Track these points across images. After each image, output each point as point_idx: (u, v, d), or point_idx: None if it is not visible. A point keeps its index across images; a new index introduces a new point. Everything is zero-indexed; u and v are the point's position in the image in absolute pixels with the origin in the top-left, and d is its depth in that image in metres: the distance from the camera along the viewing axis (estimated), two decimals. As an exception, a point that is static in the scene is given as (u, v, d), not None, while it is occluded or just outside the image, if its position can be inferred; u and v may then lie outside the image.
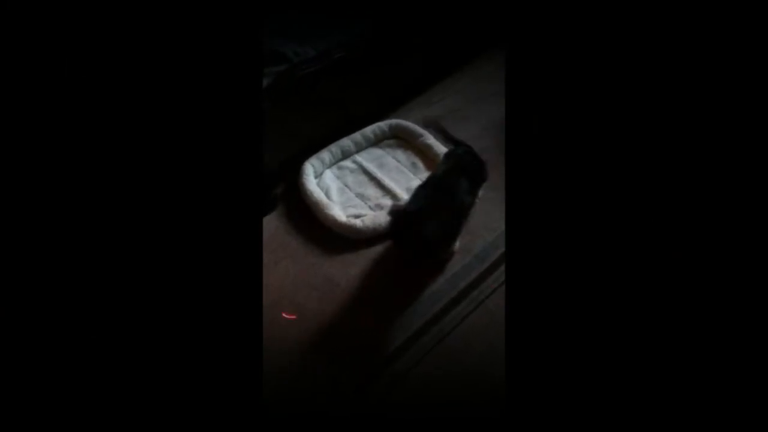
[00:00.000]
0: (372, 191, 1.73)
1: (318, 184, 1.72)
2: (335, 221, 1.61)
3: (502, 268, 1.54)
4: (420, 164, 1.80)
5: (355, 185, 1.75)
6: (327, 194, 1.70)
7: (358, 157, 1.82)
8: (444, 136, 1.69)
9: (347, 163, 1.81)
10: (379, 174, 1.77)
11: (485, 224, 1.62)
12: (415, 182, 1.74)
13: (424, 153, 1.82)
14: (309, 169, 1.73)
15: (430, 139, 1.82)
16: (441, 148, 1.80)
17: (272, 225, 1.67)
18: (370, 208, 1.68)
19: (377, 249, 1.60)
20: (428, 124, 1.80)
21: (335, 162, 1.80)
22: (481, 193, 1.61)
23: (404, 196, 1.69)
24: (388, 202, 1.69)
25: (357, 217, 1.64)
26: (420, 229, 1.44)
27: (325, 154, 1.78)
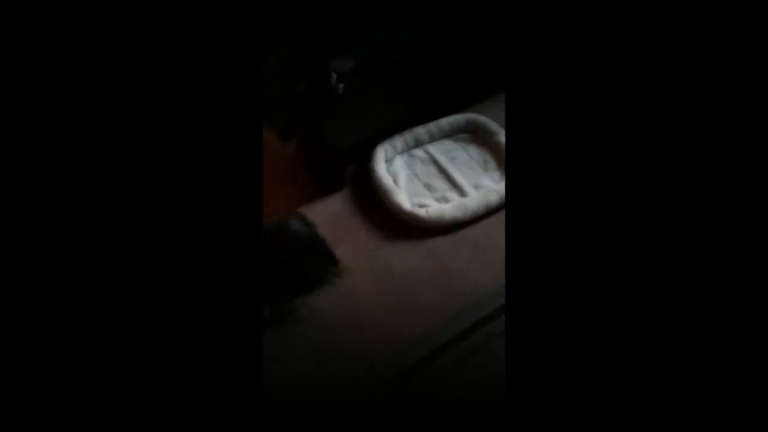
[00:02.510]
0: (440, 183, 1.73)
1: (387, 170, 1.73)
2: (400, 208, 1.62)
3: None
4: (492, 162, 1.79)
5: (423, 175, 1.76)
6: (395, 181, 1.71)
7: (430, 148, 1.82)
8: None
9: (418, 152, 1.81)
10: (449, 167, 1.76)
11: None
12: (485, 179, 1.73)
13: (496, 151, 1.80)
14: (381, 153, 1.75)
15: (504, 138, 1.80)
16: (515, 148, 1.77)
17: (337, 204, 1.70)
18: (436, 199, 1.69)
19: (438, 241, 1.60)
20: None
21: (407, 150, 1.81)
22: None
23: (472, 192, 1.68)
24: (454, 195, 1.68)
25: (422, 206, 1.64)
26: None
27: (398, 141, 1.79)
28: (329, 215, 1.66)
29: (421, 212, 1.61)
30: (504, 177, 1.73)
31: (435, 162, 1.78)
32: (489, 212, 1.65)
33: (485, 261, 1.56)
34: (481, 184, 1.71)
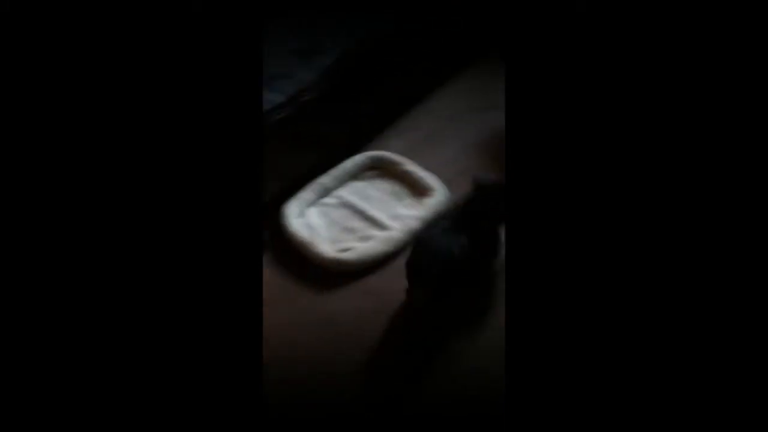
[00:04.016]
0: (358, 223, 1.71)
1: (302, 224, 1.70)
2: (324, 257, 1.59)
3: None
4: (403, 191, 1.80)
5: (340, 220, 1.73)
6: (313, 232, 1.68)
7: (340, 192, 1.80)
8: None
9: (329, 199, 1.79)
10: (363, 206, 1.75)
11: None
12: (401, 209, 1.73)
13: (405, 180, 1.82)
14: (291, 209, 1.71)
15: (410, 166, 1.82)
16: (421, 173, 1.80)
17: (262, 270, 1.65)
18: (359, 239, 1.66)
19: (371, 279, 1.58)
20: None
21: (317, 200, 1.78)
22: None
23: (391, 223, 1.67)
24: (375, 232, 1.66)
25: (345, 250, 1.61)
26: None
27: (307, 194, 1.77)
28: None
29: (346, 256, 1.58)
30: (418, 204, 1.74)
31: (348, 205, 1.77)
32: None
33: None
34: (399, 215, 1.71)
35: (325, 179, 1.81)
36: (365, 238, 1.66)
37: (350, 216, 1.74)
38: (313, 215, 1.75)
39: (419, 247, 1.43)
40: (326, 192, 1.80)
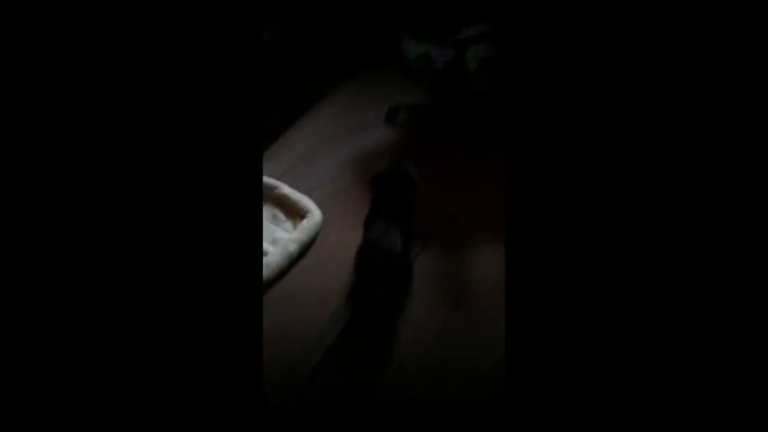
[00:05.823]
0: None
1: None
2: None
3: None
4: (280, 215, 1.86)
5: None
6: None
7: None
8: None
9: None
10: (242, 232, 1.78)
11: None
12: (279, 232, 1.79)
13: (282, 203, 1.88)
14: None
15: (286, 189, 1.89)
16: (298, 196, 1.86)
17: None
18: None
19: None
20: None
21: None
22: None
23: (270, 248, 1.73)
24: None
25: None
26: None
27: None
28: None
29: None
30: (296, 225, 1.81)
31: (227, 232, 1.79)
32: (293, 262, 1.71)
33: (307, 307, 1.60)
34: (277, 239, 1.77)
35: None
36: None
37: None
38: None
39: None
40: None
